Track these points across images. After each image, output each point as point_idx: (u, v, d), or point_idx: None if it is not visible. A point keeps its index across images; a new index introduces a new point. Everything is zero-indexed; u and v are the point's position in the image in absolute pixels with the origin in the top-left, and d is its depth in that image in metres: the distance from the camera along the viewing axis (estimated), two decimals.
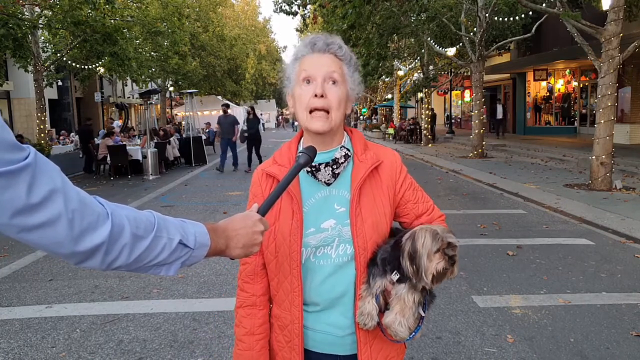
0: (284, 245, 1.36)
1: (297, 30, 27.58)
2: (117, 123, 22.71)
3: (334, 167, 1.36)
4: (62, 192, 0.80)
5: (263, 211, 1.16)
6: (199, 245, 1.01)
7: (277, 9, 17.89)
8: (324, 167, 1.36)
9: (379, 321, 1.31)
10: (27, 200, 0.75)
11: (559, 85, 22.47)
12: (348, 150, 1.39)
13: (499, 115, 22.26)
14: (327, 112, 1.32)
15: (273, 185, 1.39)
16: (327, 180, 1.37)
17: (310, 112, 1.32)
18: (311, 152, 1.26)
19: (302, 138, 1.44)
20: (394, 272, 1.28)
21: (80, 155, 15.60)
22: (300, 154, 1.25)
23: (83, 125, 18.58)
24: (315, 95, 1.30)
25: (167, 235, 0.96)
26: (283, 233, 1.36)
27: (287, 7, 17.55)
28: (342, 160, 1.37)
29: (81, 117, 26.93)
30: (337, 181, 1.38)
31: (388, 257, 1.29)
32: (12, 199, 0.74)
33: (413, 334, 1.34)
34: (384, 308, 1.31)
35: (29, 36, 13.27)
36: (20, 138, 13.46)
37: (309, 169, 1.37)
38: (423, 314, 1.31)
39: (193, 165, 16.41)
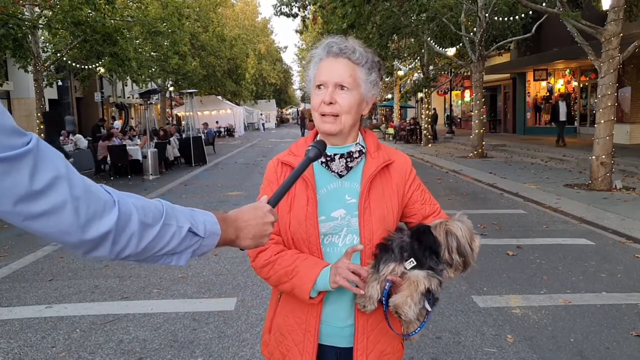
0: (300, 231, 1.40)
1: (297, 32, 27.64)
2: (117, 123, 22.70)
3: (348, 159, 1.43)
4: (66, 178, 0.78)
5: (273, 202, 1.17)
6: (209, 233, 1.00)
7: (277, 12, 17.93)
8: (339, 158, 1.43)
9: (384, 306, 1.32)
10: (29, 186, 0.74)
11: (559, 85, 22.46)
12: (362, 147, 1.46)
13: (562, 116, 16.60)
14: (337, 115, 1.38)
15: (287, 174, 1.43)
16: (340, 172, 1.43)
17: (321, 115, 1.40)
18: (321, 146, 1.31)
19: (318, 135, 1.50)
20: (410, 260, 1.31)
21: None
22: (310, 148, 1.29)
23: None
24: (323, 102, 1.38)
25: (176, 224, 0.94)
26: (298, 219, 1.40)
27: (287, 10, 17.58)
28: (357, 155, 1.44)
29: (81, 117, 26.96)
30: (349, 174, 1.44)
31: (405, 245, 1.33)
32: (15, 185, 0.73)
33: (418, 329, 1.35)
34: (388, 298, 1.33)
35: (29, 36, 13.25)
36: None
37: (324, 160, 1.43)
38: (429, 309, 1.32)
39: (193, 165, 16.41)
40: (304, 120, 39.28)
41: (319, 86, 1.39)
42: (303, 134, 35.67)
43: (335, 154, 1.43)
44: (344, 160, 1.42)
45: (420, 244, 1.32)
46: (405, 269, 1.31)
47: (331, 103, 1.37)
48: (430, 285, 1.29)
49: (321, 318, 1.42)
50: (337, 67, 1.38)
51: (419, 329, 1.36)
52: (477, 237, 1.35)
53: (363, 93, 1.41)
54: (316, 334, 1.41)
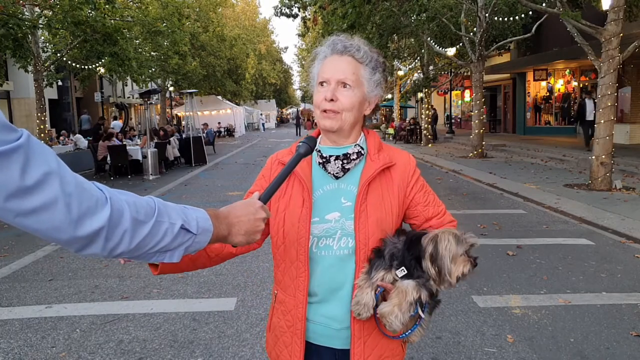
0: (292, 232, 1.39)
1: (297, 35, 27.69)
2: (118, 123, 22.70)
3: (345, 161, 1.41)
4: (58, 174, 0.78)
5: (265, 199, 1.18)
6: (201, 230, 1.00)
7: (277, 13, 17.95)
8: (334, 160, 1.41)
9: (374, 313, 1.31)
10: (20, 182, 0.73)
11: (559, 85, 22.47)
12: (362, 148, 1.44)
13: (589, 115, 14.14)
14: (338, 113, 1.37)
15: None
16: (336, 174, 1.41)
17: (322, 111, 1.39)
18: (311, 142, 1.30)
19: (320, 134, 1.49)
20: (400, 269, 1.29)
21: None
22: (300, 144, 1.29)
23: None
24: (325, 99, 1.37)
25: (168, 220, 0.94)
26: (292, 220, 1.39)
27: (287, 11, 17.60)
28: (354, 156, 1.42)
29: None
30: (347, 176, 1.42)
31: (396, 252, 1.31)
32: (5, 181, 0.72)
33: (410, 331, 1.34)
34: (380, 303, 1.32)
35: (29, 36, 13.25)
36: None
37: (320, 161, 1.42)
38: (422, 315, 1.31)
39: (193, 165, 16.41)
40: (300, 120, 39.39)
41: (321, 83, 1.39)
42: (299, 134, 35.65)
43: (330, 156, 1.42)
44: (340, 162, 1.41)
45: (408, 252, 1.30)
46: (396, 276, 1.29)
47: (332, 100, 1.36)
48: (420, 295, 1.27)
49: (313, 318, 1.42)
50: (340, 64, 1.38)
51: (409, 331, 1.35)
52: (466, 264, 1.27)
53: (366, 92, 1.40)
54: (302, 336, 1.41)
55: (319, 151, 1.44)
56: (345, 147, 1.43)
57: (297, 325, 1.41)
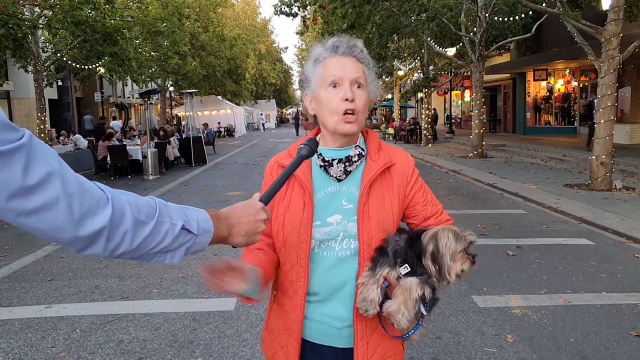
0: (293, 236, 1.38)
1: (297, 34, 27.65)
2: (117, 123, 22.70)
3: (347, 164, 1.40)
4: (59, 174, 0.78)
5: (265, 200, 1.17)
6: (202, 231, 1.00)
7: (277, 12, 17.98)
8: (337, 163, 1.40)
9: (380, 311, 1.31)
10: (22, 182, 0.73)
11: (559, 85, 22.47)
12: (362, 149, 1.43)
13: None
14: (356, 115, 1.35)
15: None
16: (339, 177, 1.40)
17: (343, 114, 1.34)
18: (313, 144, 1.28)
19: (319, 135, 1.46)
20: (404, 266, 1.29)
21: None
22: (302, 146, 1.27)
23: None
24: (346, 100, 1.33)
25: (169, 221, 0.94)
26: (293, 224, 1.38)
27: (287, 9, 17.62)
28: (356, 159, 1.40)
29: (81, 117, 26.99)
30: (348, 178, 1.41)
31: (399, 250, 1.31)
32: (8, 180, 0.72)
33: (412, 331, 1.34)
34: (383, 299, 1.32)
35: (29, 36, 13.25)
36: None
37: (322, 164, 1.41)
38: (424, 312, 1.31)
39: (193, 165, 16.40)
40: (299, 120, 39.29)
41: (333, 85, 1.35)
42: (298, 134, 35.61)
43: (333, 159, 1.40)
44: (342, 165, 1.39)
45: (410, 249, 1.30)
46: (400, 274, 1.29)
47: (353, 100, 1.33)
48: (424, 292, 1.27)
49: (314, 317, 1.42)
50: (349, 64, 1.36)
51: (413, 331, 1.35)
52: (464, 261, 1.29)
53: (370, 92, 1.40)
54: (299, 338, 1.40)
55: (320, 154, 1.42)
56: (346, 149, 1.42)
57: (293, 327, 1.41)
